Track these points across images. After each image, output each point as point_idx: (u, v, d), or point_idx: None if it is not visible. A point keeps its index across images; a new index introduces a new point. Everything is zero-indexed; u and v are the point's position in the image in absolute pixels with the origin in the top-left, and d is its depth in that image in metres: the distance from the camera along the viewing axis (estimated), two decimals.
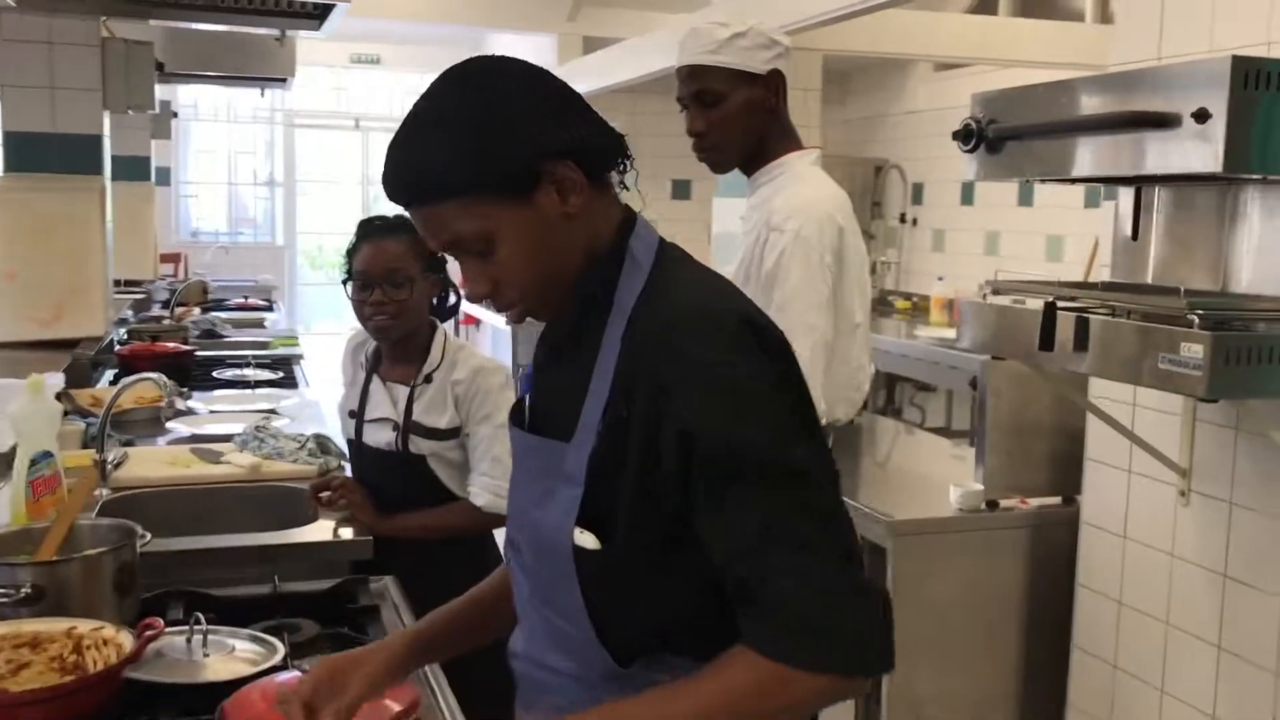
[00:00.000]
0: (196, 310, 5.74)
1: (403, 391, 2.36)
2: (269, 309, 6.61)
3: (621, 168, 1.22)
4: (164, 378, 2.49)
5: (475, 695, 1.62)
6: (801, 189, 2.26)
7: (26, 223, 3.83)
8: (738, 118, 2.28)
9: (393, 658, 1.36)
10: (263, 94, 7.56)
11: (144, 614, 1.80)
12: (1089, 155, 2.17)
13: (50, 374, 2.66)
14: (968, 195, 7.64)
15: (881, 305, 7.12)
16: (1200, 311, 1.89)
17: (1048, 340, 2.14)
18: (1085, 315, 2.11)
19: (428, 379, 2.35)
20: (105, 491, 2.46)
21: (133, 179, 6.04)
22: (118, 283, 4.92)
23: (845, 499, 1.21)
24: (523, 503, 1.27)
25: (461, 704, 1.58)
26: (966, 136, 2.36)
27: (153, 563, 1.85)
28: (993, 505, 3.04)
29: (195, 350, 4.30)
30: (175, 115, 7.09)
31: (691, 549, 1.15)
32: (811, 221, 2.19)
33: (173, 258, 7.99)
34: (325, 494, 2.39)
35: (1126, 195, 2.53)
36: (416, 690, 1.49)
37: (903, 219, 7.98)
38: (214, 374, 4.13)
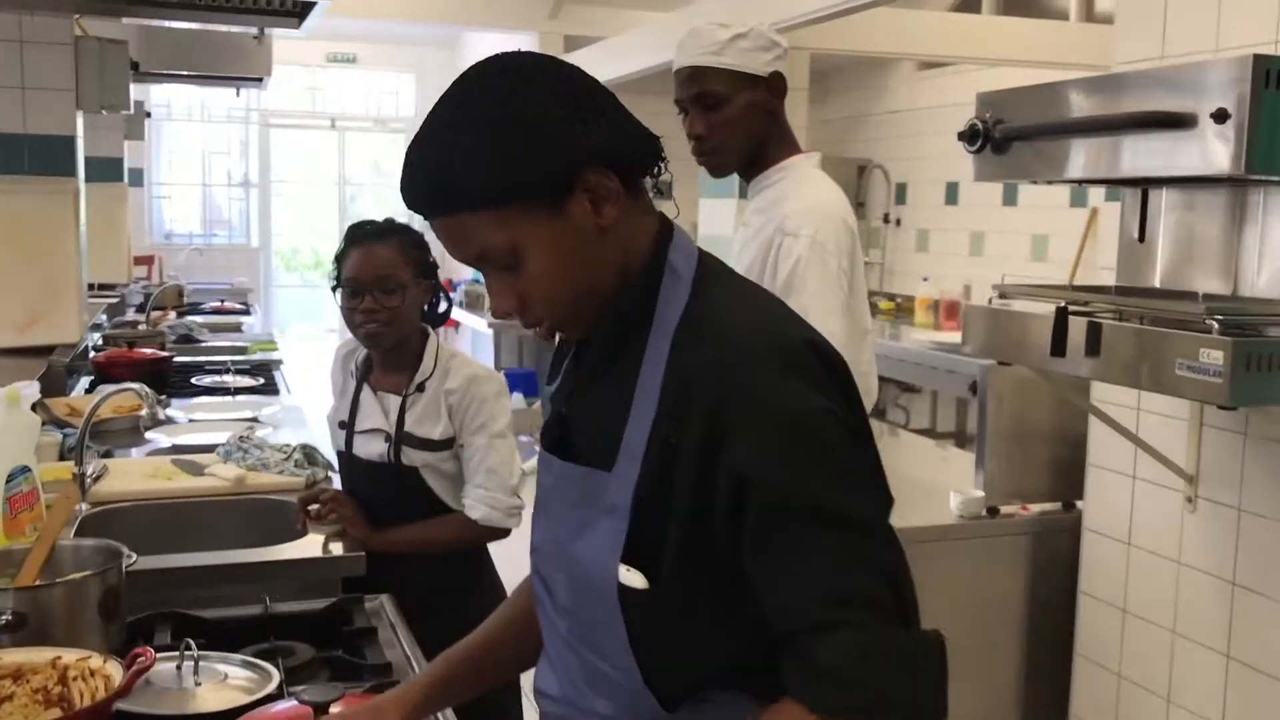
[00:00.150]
0: (172, 314, 5.64)
1: (394, 401, 2.29)
2: (246, 312, 6.51)
3: (656, 172, 1.14)
4: (146, 388, 2.40)
5: (477, 711, 1.55)
6: (812, 193, 2.20)
7: None
8: (740, 121, 2.22)
9: (411, 707, 1.31)
10: (238, 94, 7.42)
11: (130, 639, 1.72)
12: (1099, 156, 2.13)
13: (26, 383, 2.56)
14: (952, 195, 7.61)
15: None
16: (1220, 317, 1.84)
17: (1059, 346, 2.09)
18: (1098, 321, 2.06)
19: (420, 388, 2.28)
20: (84, 506, 2.38)
21: (105, 180, 5.92)
22: (91, 286, 4.81)
23: None
24: (558, 536, 1.19)
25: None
26: (973, 137, 2.31)
27: (136, 581, 1.76)
28: (993, 512, 2.99)
29: (173, 356, 4.19)
30: (149, 115, 6.96)
31: (746, 589, 1.08)
32: (826, 226, 2.13)
33: (146, 260, 7.85)
34: (314, 507, 2.32)
35: (1132, 196, 2.49)
36: None
37: (886, 219, 7.95)
38: (192, 380, 4.03)
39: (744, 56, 2.19)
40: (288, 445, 2.75)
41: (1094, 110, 2.15)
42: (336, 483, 2.58)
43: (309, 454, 2.71)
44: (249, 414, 3.45)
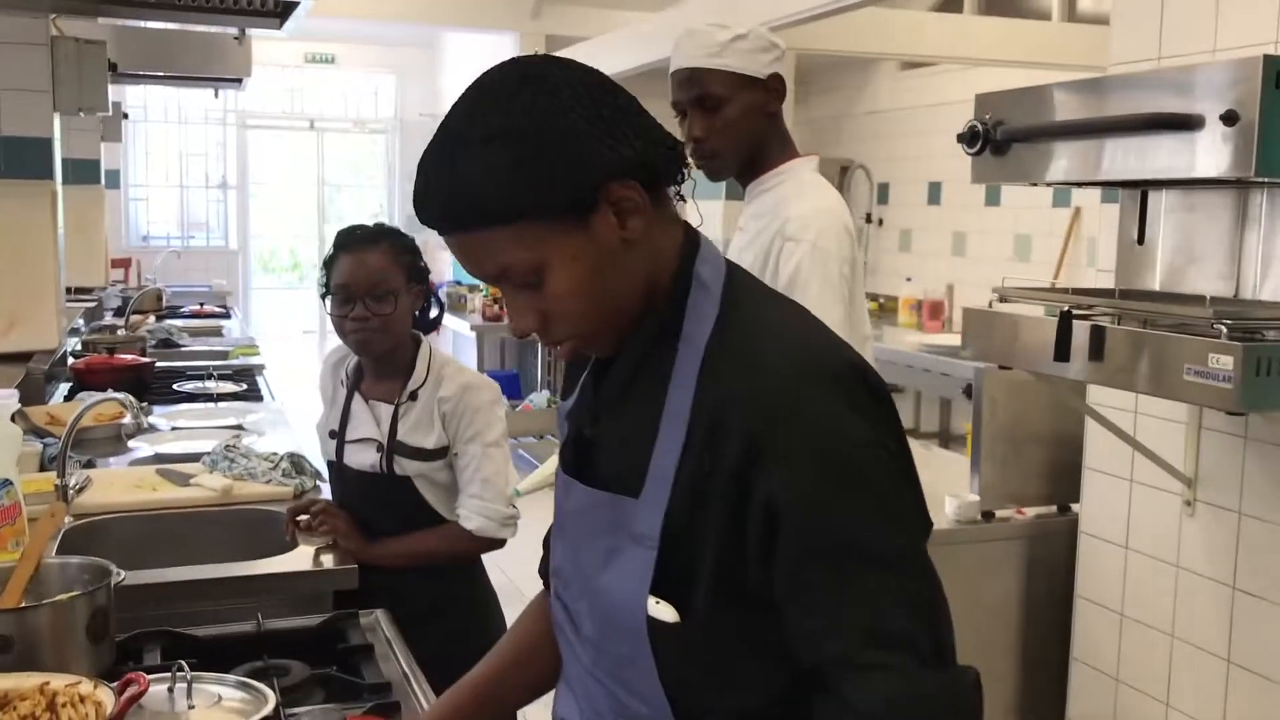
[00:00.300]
0: (151, 318, 5.56)
1: (386, 410, 2.24)
2: (226, 315, 6.43)
3: (680, 179, 1.10)
4: (130, 398, 2.34)
5: None
6: (813, 198, 2.17)
7: None
8: (739, 123, 2.18)
9: None
10: (216, 95, 7.34)
11: (118, 659, 1.67)
12: (1101, 158, 2.10)
13: (5, 391, 2.50)
14: (934, 195, 7.61)
15: None
16: (1228, 321, 1.82)
17: (1063, 351, 2.07)
18: (1103, 325, 2.03)
19: (413, 396, 2.23)
20: (67, 519, 2.32)
21: (82, 182, 5.83)
22: (68, 290, 4.74)
23: None
24: (581, 564, 1.14)
25: None
26: (972, 138, 2.28)
27: (122, 597, 1.70)
28: (988, 516, 2.97)
29: (154, 362, 4.12)
30: (126, 117, 6.88)
31: (780, 622, 1.03)
32: (828, 231, 2.09)
33: (123, 263, 7.76)
34: (303, 518, 2.27)
35: (1130, 198, 2.47)
36: None
37: (868, 219, 7.94)
38: (174, 387, 3.96)
39: (743, 58, 2.14)
40: (275, 454, 2.70)
41: (1095, 112, 2.13)
42: (325, 492, 2.53)
43: (297, 463, 2.66)
44: (233, 421, 3.39)
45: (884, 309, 7.42)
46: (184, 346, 5.05)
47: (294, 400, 4.55)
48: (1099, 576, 2.85)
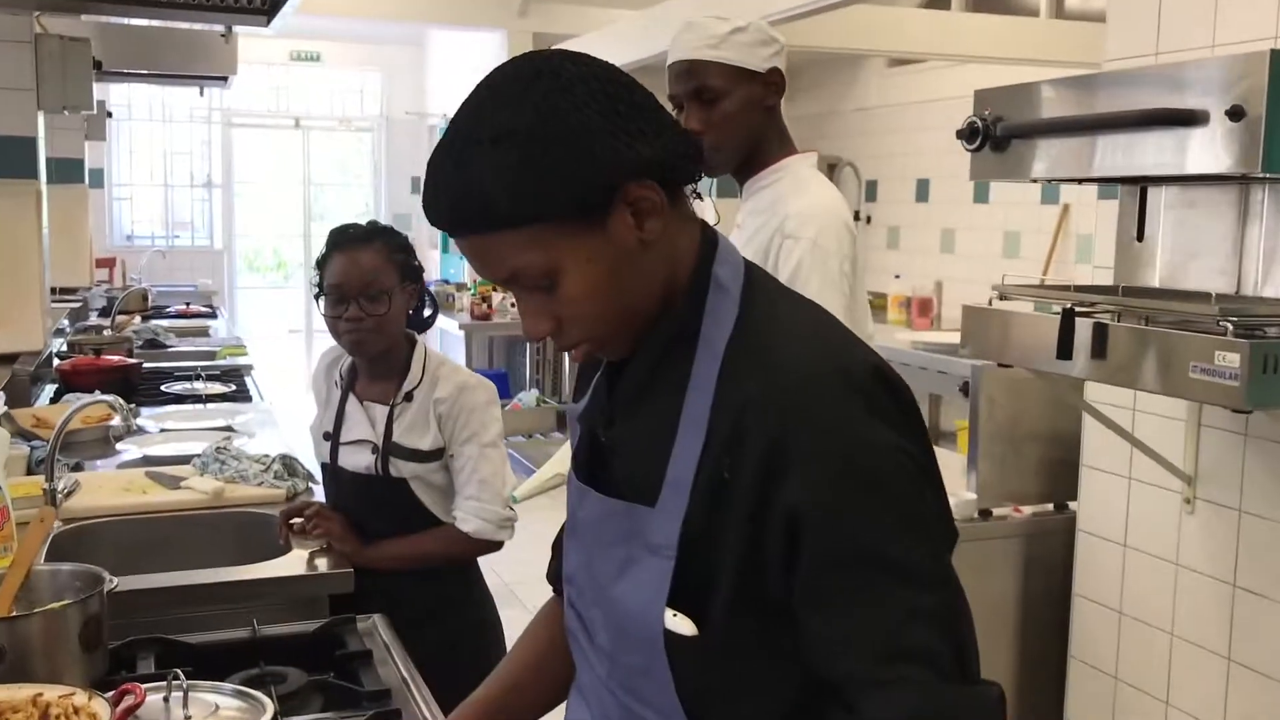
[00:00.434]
0: (137, 319, 5.51)
1: (381, 411, 2.21)
2: (212, 315, 6.38)
3: (696, 177, 1.07)
4: (120, 400, 2.30)
5: None
6: (813, 195, 2.13)
7: None
8: (737, 117, 2.14)
9: None
10: (201, 93, 7.27)
11: (111, 668, 1.64)
12: (1103, 154, 2.09)
13: None
14: (922, 192, 7.61)
15: None
16: (1234, 318, 1.80)
17: (1066, 349, 2.05)
18: (1106, 323, 2.02)
19: (408, 397, 2.20)
20: (56, 523, 2.28)
21: (65, 182, 5.78)
22: (52, 291, 4.69)
23: None
24: (596, 573, 1.11)
25: None
26: (972, 135, 2.26)
27: (114, 603, 1.67)
28: (985, 514, 2.96)
29: (141, 363, 4.08)
30: (110, 115, 6.81)
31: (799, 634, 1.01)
32: (828, 229, 2.06)
33: (108, 263, 7.70)
34: (297, 521, 2.24)
35: (1129, 194, 2.45)
36: None
37: (856, 216, 7.90)
38: (162, 388, 3.92)
39: (743, 51, 2.11)
40: (266, 455, 2.67)
41: (1095, 108, 2.11)
42: (318, 494, 2.50)
43: (289, 464, 2.62)
44: (222, 422, 3.36)
45: (872, 306, 7.36)
46: (171, 347, 5.00)
47: (282, 401, 4.51)
48: (1097, 575, 2.83)
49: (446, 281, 8.37)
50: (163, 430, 3.23)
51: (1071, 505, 2.97)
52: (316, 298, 2.19)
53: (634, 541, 1.04)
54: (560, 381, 7.93)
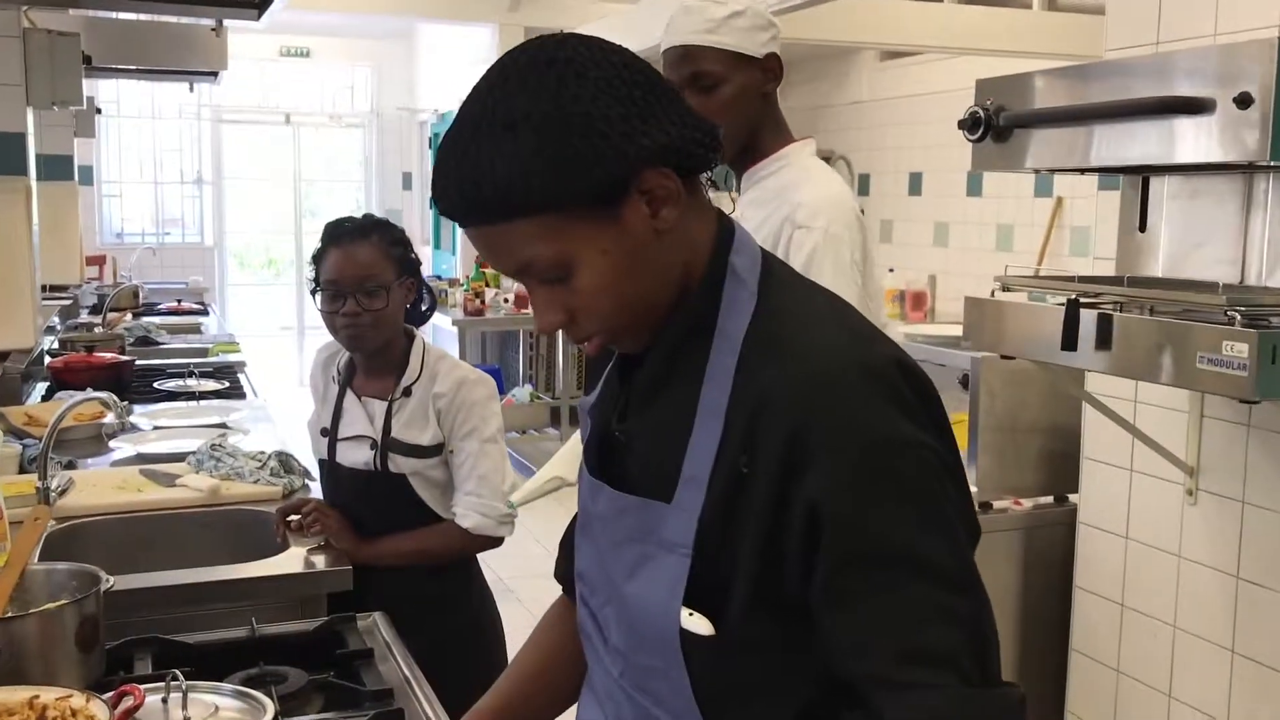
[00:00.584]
0: (129, 316, 5.47)
1: (380, 406, 2.18)
2: (204, 312, 6.35)
3: (713, 165, 1.04)
4: (113, 397, 2.28)
5: None
6: (820, 183, 2.09)
7: None
8: (735, 104, 2.09)
9: None
10: (191, 89, 7.22)
11: (109, 669, 1.61)
12: (1107, 144, 2.07)
13: None
14: (915, 185, 7.60)
15: None
16: (1242, 308, 1.79)
17: (1070, 340, 2.03)
18: (1113, 314, 2.00)
19: (407, 392, 2.18)
20: (50, 522, 2.25)
21: (55, 179, 5.73)
22: (42, 288, 4.65)
23: None
24: (609, 571, 1.08)
25: None
26: (974, 125, 2.24)
27: (109, 603, 1.66)
28: (985, 507, 2.94)
29: (134, 360, 4.05)
30: (99, 111, 6.76)
31: (817, 634, 0.98)
32: (839, 218, 2.02)
33: (98, 260, 7.65)
34: (294, 518, 2.21)
35: (1130, 185, 2.44)
36: None
37: None
38: (154, 385, 3.89)
39: (740, 36, 2.05)
40: (262, 452, 2.64)
41: (1098, 97, 2.09)
42: (315, 491, 2.48)
43: (285, 461, 2.60)
44: (216, 419, 3.33)
45: None
46: (163, 344, 4.97)
47: (275, 398, 4.48)
48: (1098, 567, 2.82)
49: (439, 277, 8.34)
50: (156, 427, 3.20)
51: (1072, 498, 2.95)
52: (313, 293, 2.17)
53: (649, 538, 1.02)
54: (554, 377, 7.90)
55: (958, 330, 3.22)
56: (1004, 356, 2.39)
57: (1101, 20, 2.74)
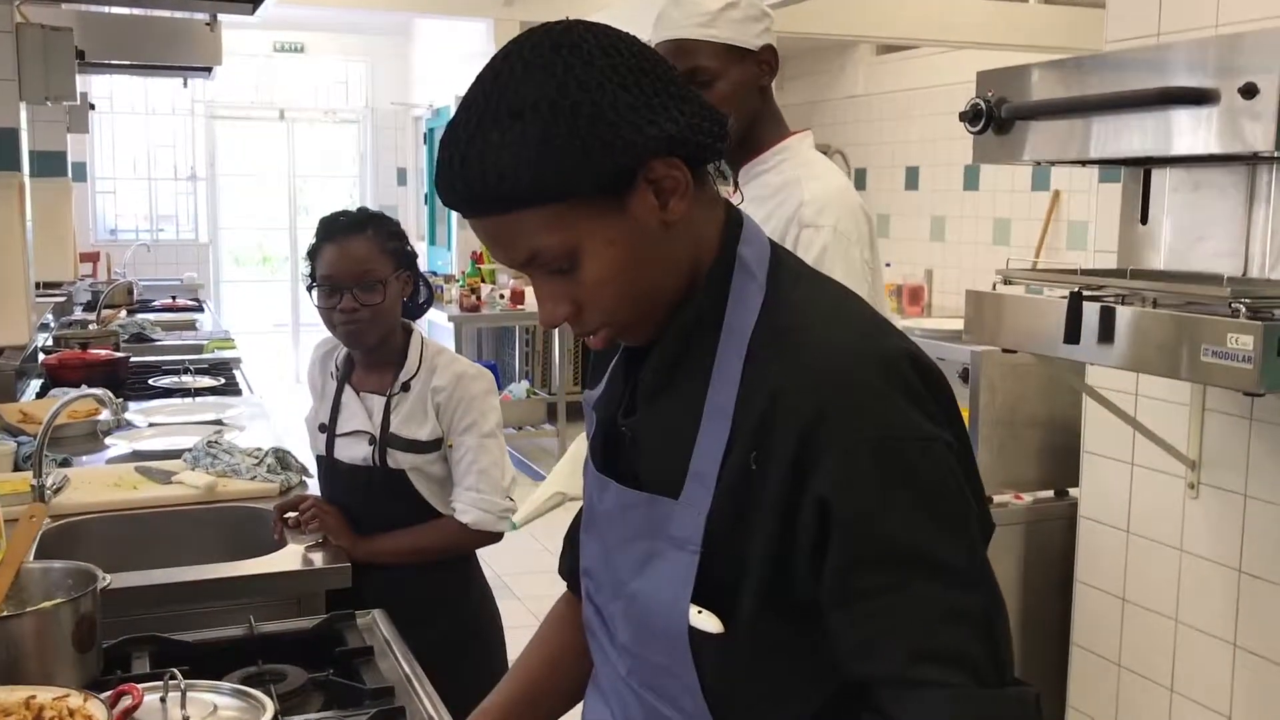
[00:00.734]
0: (123, 313, 5.45)
1: (378, 402, 2.17)
2: (199, 309, 6.32)
3: (721, 155, 1.02)
4: (109, 394, 2.26)
5: None
6: (824, 179, 2.04)
7: None
8: (732, 99, 2.04)
9: None
10: (185, 84, 7.18)
11: (106, 668, 1.60)
12: (1110, 136, 2.06)
13: None
14: (912, 179, 7.58)
15: None
16: (1247, 300, 1.77)
17: (1073, 333, 2.02)
18: (1113, 306, 1.99)
19: (405, 387, 2.16)
20: (45, 520, 2.23)
21: (48, 175, 5.70)
22: (36, 285, 4.62)
23: None
24: (616, 567, 1.07)
25: None
26: (975, 117, 2.23)
27: (106, 601, 1.64)
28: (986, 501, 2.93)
29: (129, 357, 4.02)
30: (93, 107, 6.73)
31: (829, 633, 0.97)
32: (847, 215, 1.97)
33: (91, 257, 7.63)
34: (292, 515, 2.19)
35: (1132, 177, 2.42)
36: None
37: None
38: (150, 382, 3.87)
39: (735, 28, 2.00)
40: (259, 449, 2.62)
41: (1100, 89, 2.07)
42: (312, 487, 2.46)
43: (282, 458, 2.58)
44: (212, 416, 3.31)
45: None
46: (157, 341, 4.94)
47: (270, 394, 4.47)
48: (1099, 561, 2.81)
49: (435, 273, 8.31)
50: (151, 424, 3.18)
51: (1073, 492, 2.94)
52: (309, 289, 2.15)
53: (657, 535, 1.00)
54: (550, 373, 7.88)
55: (955, 324, 3.21)
56: (1005, 350, 2.38)
57: (1099, 14, 2.72)
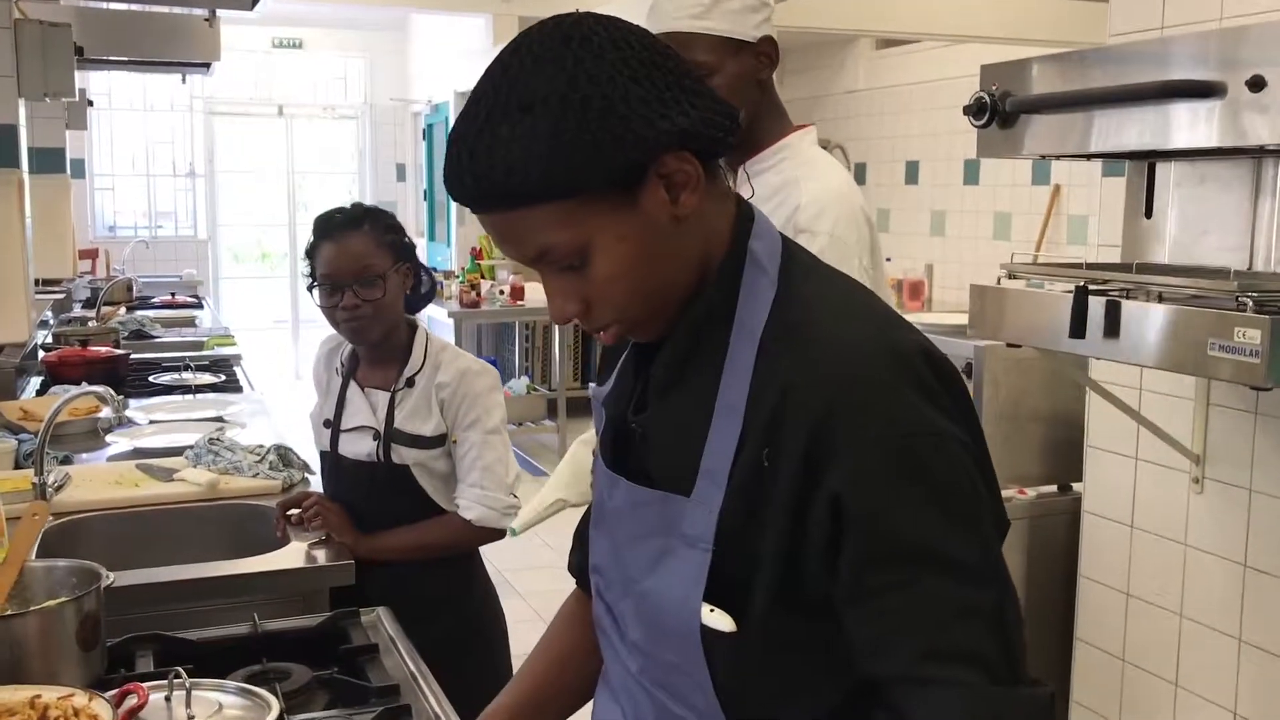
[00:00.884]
0: (123, 310, 5.44)
1: (383, 397, 2.16)
2: (198, 306, 6.31)
3: (730, 149, 1.01)
4: (110, 391, 2.25)
5: None
6: (823, 179, 1.98)
7: None
8: (732, 95, 1.97)
9: None
10: (184, 80, 7.16)
11: (109, 667, 1.59)
12: (1115, 129, 2.05)
13: None
14: (912, 174, 7.57)
15: None
16: (1254, 294, 1.77)
17: (1079, 327, 2.01)
18: (1119, 300, 1.98)
19: (410, 383, 2.15)
20: (48, 518, 2.22)
21: (47, 172, 5.69)
22: (35, 282, 4.61)
23: None
24: (626, 565, 1.06)
25: None
26: (979, 110, 2.22)
27: (110, 599, 1.63)
28: None
29: (129, 354, 4.01)
30: (91, 104, 6.72)
31: (842, 629, 0.96)
32: (845, 219, 1.91)
33: (90, 254, 7.62)
34: (294, 512, 2.18)
35: (1136, 170, 2.42)
36: None
37: None
38: (150, 379, 3.86)
39: (732, 19, 1.93)
40: (261, 446, 2.62)
41: (1105, 82, 2.07)
42: (315, 485, 2.45)
43: (284, 455, 2.57)
44: (213, 413, 3.30)
45: None
46: (157, 338, 4.93)
47: (271, 391, 4.46)
48: (1103, 556, 2.81)
49: (434, 269, 8.30)
50: (152, 422, 3.17)
51: (1076, 486, 2.94)
52: (310, 289, 2.14)
53: (669, 533, 0.99)
54: (550, 369, 7.87)
55: (957, 319, 3.20)
56: (1010, 345, 2.37)
57: (1099, 7, 2.71)
